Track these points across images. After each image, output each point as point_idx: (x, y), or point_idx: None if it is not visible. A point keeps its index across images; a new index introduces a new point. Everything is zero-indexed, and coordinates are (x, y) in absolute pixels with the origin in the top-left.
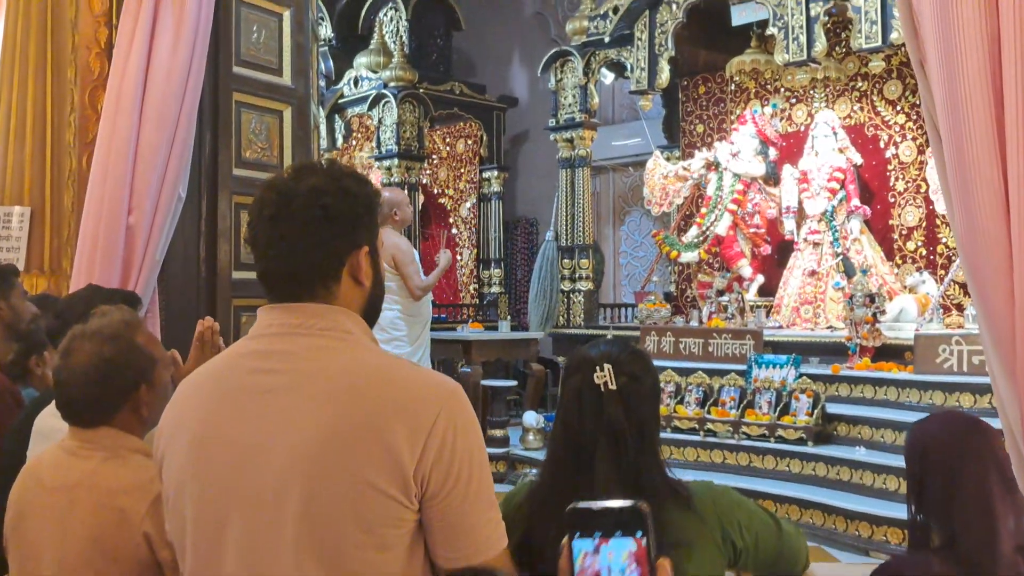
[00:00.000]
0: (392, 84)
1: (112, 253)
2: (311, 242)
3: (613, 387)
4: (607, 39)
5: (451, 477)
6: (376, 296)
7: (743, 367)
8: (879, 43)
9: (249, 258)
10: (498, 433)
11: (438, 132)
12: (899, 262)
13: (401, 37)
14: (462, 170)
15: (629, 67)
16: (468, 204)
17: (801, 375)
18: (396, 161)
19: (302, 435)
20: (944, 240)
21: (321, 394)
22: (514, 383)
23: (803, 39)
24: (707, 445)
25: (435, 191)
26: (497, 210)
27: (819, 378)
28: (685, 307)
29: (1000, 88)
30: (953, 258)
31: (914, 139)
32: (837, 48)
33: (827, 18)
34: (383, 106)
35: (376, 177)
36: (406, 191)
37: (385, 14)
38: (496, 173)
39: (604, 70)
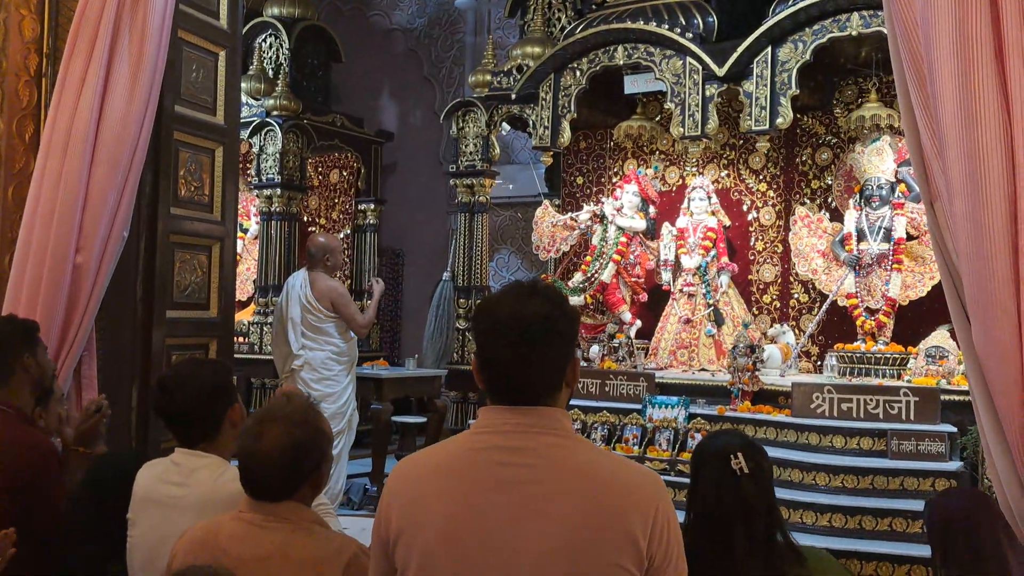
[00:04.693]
0: (276, 113)
1: (56, 292)
2: (549, 359)
3: (747, 471)
4: (514, 96)
5: (668, 553)
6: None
7: (639, 406)
8: (767, 127)
9: (183, 297)
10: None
11: (310, 161)
12: (755, 312)
13: (283, 65)
14: (336, 200)
15: (532, 124)
16: (341, 235)
17: (691, 415)
18: (279, 191)
19: (558, 522)
20: (796, 296)
21: (568, 487)
22: (423, 419)
23: (698, 116)
24: None
25: (305, 219)
26: (372, 242)
27: (707, 418)
28: None
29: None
30: (803, 312)
31: (773, 205)
32: None
33: (720, 99)
34: (265, 134)
35: (252, 203)
36: (288, 221)
37: (265, 40)
38: (372, 206)
39: (504, 123)
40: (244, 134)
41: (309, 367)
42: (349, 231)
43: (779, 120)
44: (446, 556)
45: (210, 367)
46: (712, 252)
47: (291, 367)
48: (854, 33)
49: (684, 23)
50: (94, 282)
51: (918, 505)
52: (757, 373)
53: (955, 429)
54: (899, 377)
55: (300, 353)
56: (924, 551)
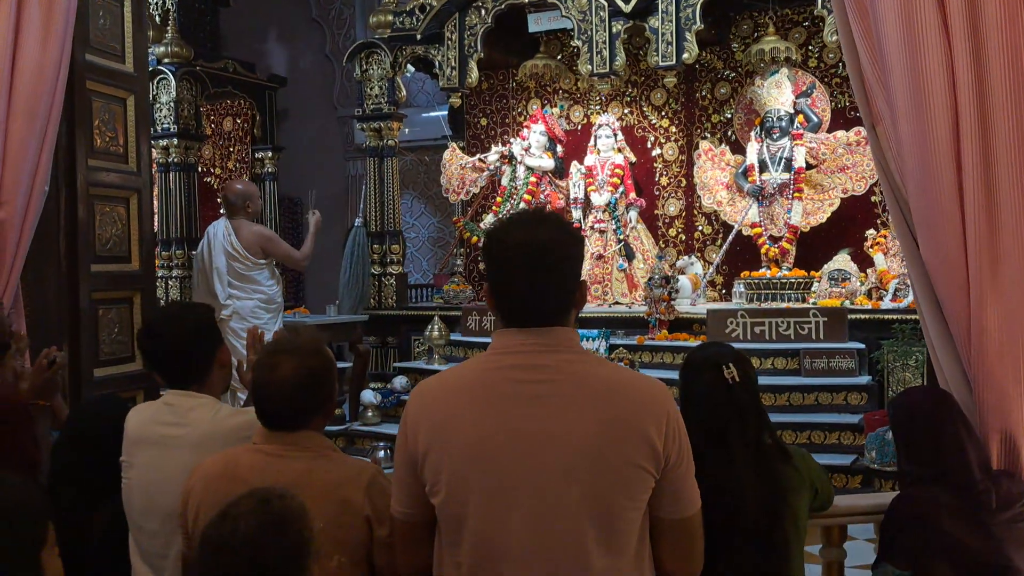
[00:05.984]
0: (167, 60)
1: None
2: (560, 282)
3: (738, 380)
4: (419, 36)
5: (680, 453)
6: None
7: None
8: (673, 62)
9: (105, 251)
10: (335, 411)
11: (202, 109)
12: (662, 246)
13: (170, 10)
14: (231, 149)
15: (438, 65)
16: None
17: (612, 346)
18: (175, 141)
19: (581, 429)
20: (700, 228)
21: (588, 398)
22: (348, 364)
23: (606, 53)
24: None
25: (200, 169)
26: (272, 191)
27: (628, 348)
28: (475, 285)
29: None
30: (708, 243)
31: (676, 141)
32: None
33: (626, 35)
34: (158, 83)
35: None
36: (187, 172)
37: None
38: (270, 153)
39: (409, 64)
40: None
41: (238, 316)
42: (247, 180)
43: (685, 55)
44: (476, 468)
45: (197, 308)
46: (620, 188)
47: (219, 317)
48: None
49: None
50: (19, 238)
51: (833, 418)
52: (672, 303)
53: (863, 346)
54: (804, 300)
55: (228, 303)
56: (843, 460)
